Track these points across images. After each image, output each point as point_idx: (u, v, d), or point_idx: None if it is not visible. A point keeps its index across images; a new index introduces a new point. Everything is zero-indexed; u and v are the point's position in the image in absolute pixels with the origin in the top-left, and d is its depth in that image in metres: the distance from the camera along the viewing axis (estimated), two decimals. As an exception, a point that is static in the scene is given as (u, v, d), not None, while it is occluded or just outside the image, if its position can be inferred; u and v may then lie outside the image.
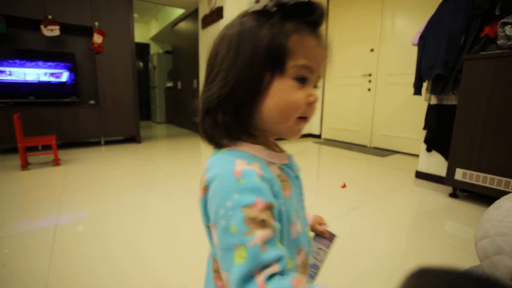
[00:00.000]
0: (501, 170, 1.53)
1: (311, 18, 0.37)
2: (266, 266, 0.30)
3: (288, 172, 0.42)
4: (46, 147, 2.99)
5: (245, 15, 0.39)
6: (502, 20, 1.52)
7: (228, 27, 0.40)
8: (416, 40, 2.00)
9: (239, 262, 0.30)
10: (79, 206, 1.63)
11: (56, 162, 2.53)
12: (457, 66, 1.70)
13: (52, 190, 1.90)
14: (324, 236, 0.57)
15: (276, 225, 0.33)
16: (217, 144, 0.40)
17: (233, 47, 0.37)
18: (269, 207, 0.33)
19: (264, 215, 0.32)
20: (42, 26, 2.94)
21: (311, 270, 0.52)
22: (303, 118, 0.40)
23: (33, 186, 1.99)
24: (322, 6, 0.37)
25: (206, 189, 0.35)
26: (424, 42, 1.90)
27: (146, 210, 1.61)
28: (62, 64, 3.25)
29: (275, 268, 0.31)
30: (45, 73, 3.17)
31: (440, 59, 1.73)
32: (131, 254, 1.16)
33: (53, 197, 1.75)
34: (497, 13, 1.55)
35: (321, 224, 0.58)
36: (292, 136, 0.41)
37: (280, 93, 0.36)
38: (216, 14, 3.49)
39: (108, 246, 1.21)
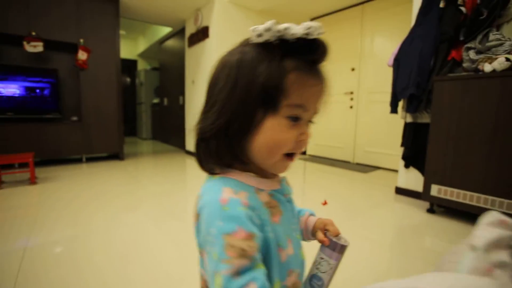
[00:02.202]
0: (473, 185, 1.59)
1: (313, 57, 0.37)
2: None
3: (279, 198, 0.43)
4: (24, 165, 2.88)
5: (247, 44, 0.39)
6: (466, 45, 1.63)
7: (230, 54, 0.40)
8: (391, 61, 2.10)
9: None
10: (52, 228, 1.56)
11: (33, 181, 2.44)
12: (428, 87, 1.79)
13: (24, 210, 1.82)
14: (327, 245, 0.49)
15: (256, 256, 0.34)
16: (209, 170, 0.41)
17: (231, 79, 0.37)
18: (250, 236, 0.34)
19: (245, 245, 0.33)
20: (25, 42, 2.92)
21: (314, 282, 0.48)
22: (290, 156, 0.41)
23: (4, 207, 1.90)
24: (326, 44, 0.37)
25: (197, 217, 0.37)
26: (398, 63, 2.00)
27: (125, 231, 1.56)
28: (45, 80, 3.20)
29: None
30: (26, 89, 3.11)
31: (413, 80, 1.82)
32: (108, 278, 1.11)
33: (24, 218, 1.68)
34: (461, 39, 1.66)
35: (325, 230, 0.50)
36: (277, 171, 0.43)
37: (271, 131, 0.37)
38: (202, 33, 3.57)
39: (81, 271, 1.16)
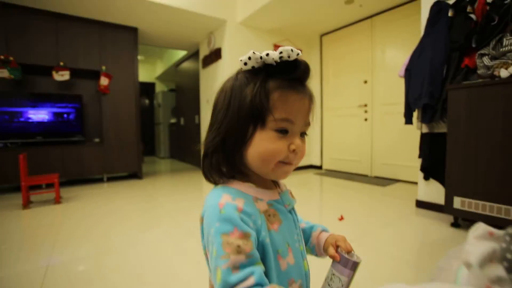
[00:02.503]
0: (497, 196, 1.49)
1: (293, 76, 0.42)
2: (235, 285, 0.35)
3: (278, 207, 0.46)
4: (50, 185, 3.04)
5: (240, 71, 0.45)
6: (479, 52, 1.59)
7: (227, 81, 0.46)
8: (402, 72, 2.08)
9: (218, 282, 0.36)
10: (74, 246, 1.62)
11: (57, 200, 2.56)
12: (442, 96, 1.75)
13: (49, 229, 1.90)
14: (337, 261, 0.49)
15: (253, 253, 0.37)
16: (213, 181, 0.47)
17: (226, 101, 0.43)
18: (245, 236, 0.38)
19: (240, 242, 0.37)
20: (53, 72, 3.17)
21: None
22: (285, 163, 0.44)
23: (30, 225, 2.00)
24: (305, 63, 0.42)
25: (201, 220, 0.43)
26: (410, 74, 1.98)
27: (144, 250, 1.59)
28: (70, 105, 3.43)
29: (249, 282, 0.35)
30: (54, 114, 3.34)
31: (426, 90, 1.79)
32: (118, 295, 1.13)
33: (48, 236, 1.75)
34: (473, 46, 1.63)
35: (337, 246, 0.51)
36: (277, 178, 0.46)
37: (261, 143, 0.42)
38: (215, 54, 3.72)
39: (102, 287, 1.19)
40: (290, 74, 0.41)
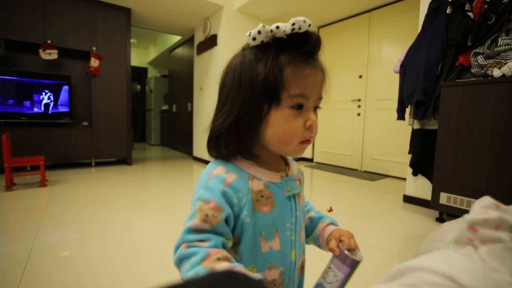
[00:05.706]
0: (483, 193, 1.52)
1: (306, 48, 0.39)
2: (190, 242, 0.38)
3: (275, 191, 0.44)
4: (36, 168, 2.96)
5: (247, 47, 0.42)
6: (474, 51, 1.60)
7: (234, 58, 0.44)
8: (397, 67, 2.08)
9: (179, 236, 0.40)
10: (59, 229, 1.59)
11: (43, 183, 2.49)
12: (435, 93, 1.77)
13: (33, 211, 1.86)
14: (336, 255, 0.47)
15: (217, 226, 0.39)
16: (216, 156, 0.48)
17: (236, 80, 0.41)
18: (217, 209, 0.39)
19: (210, 212, 0.39)
20: (40, 50, 3.04)
21: None
22: (305, 141, 0.43)
23: (13, 207, 1.95)
24: (316, 35, 0.40)
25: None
26: (405, 69, 1.98)
27: (131, 234, 1.57)
28: (58, 86, 3.31)
29: (203, 244, 0.38)
30: (40, 95, 3.22)
31: (419, 86, 1.80)
32: (110, 281, 1.12)
33: (33, 219, 1.71)
34: (469, 44, 1.64)
35: (340, 240, 0.49)
36: (295, 155, 0.46)
37: (278, 122, 0.40)
38: (211, 41, 3.64)
39: (84, 273, 1.17)
40: (302, 47, 0.39)
